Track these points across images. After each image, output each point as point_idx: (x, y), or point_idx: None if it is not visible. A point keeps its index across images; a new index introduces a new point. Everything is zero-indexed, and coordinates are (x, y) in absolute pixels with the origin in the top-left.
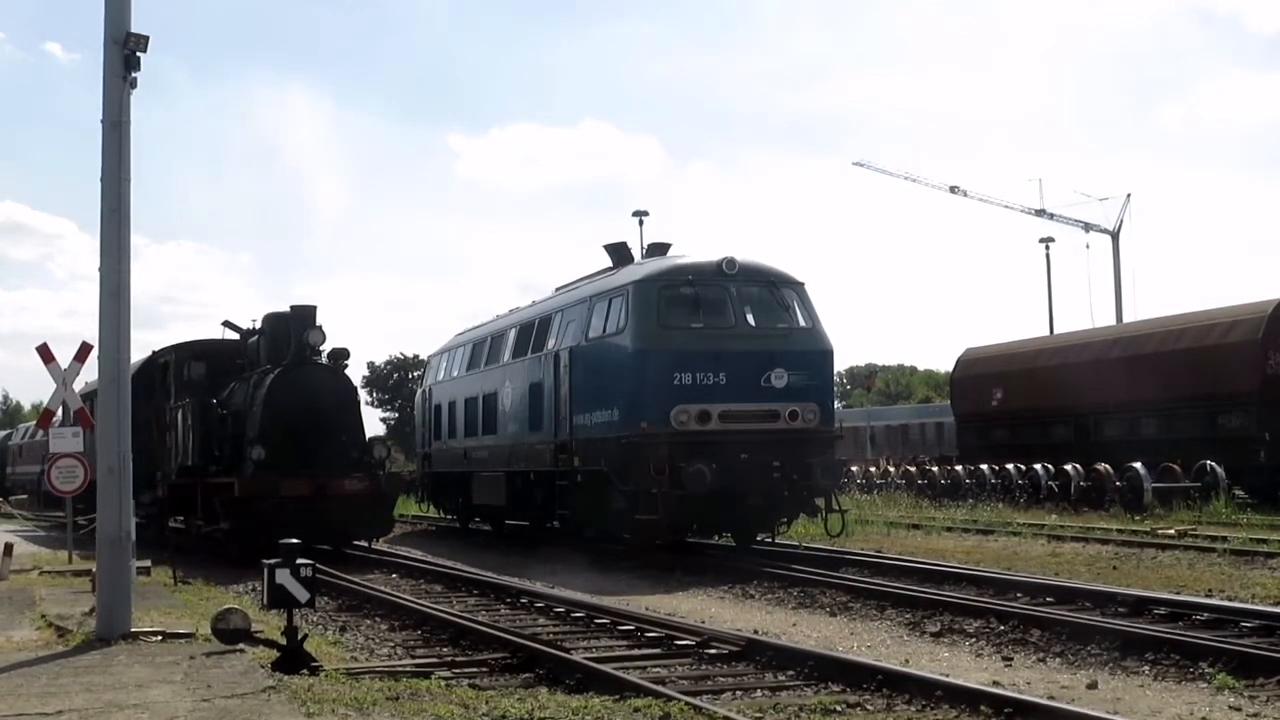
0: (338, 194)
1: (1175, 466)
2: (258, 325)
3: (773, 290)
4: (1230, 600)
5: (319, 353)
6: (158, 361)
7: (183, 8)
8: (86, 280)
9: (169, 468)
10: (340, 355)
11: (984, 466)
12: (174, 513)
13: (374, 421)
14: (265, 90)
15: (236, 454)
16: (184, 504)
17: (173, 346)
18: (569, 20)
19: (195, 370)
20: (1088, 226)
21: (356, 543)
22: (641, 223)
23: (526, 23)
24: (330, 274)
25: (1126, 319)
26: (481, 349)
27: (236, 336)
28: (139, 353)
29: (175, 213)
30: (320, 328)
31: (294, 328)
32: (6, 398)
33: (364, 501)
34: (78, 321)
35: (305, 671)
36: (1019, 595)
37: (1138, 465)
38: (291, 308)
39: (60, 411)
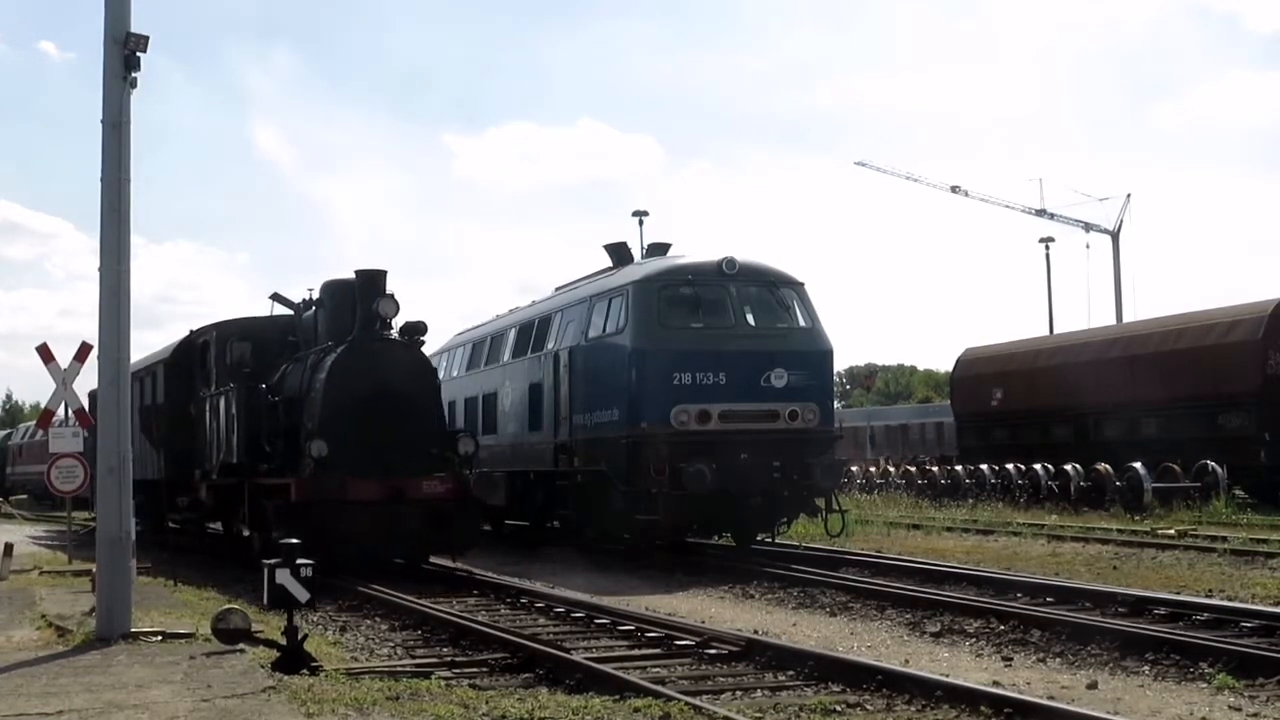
0: (334, 193)
1: (1175, 466)
2: (314, 295)
3: (772, 290)
4: (1230, 600)
5: (390, 326)
6: (196, 342)
7: (180, 6)
8: (83, 280)
9: (209, 465)
10: (416, 330)
11: (984, 466)
12: (214, 517)
13: None
14: (261, 89)
15: (292, 449)
16: (226, 507)
17: (214, 324)
18: (565, 19)
19: (240, 351)
20: (1088, 226)
21: (435, 558)
22: (641, 223)
23: (522, 21)
24: (328, 274)
25: (1126, 319)
26: (481, 349)
27: (288, 313)
28: (138, 352)
29: (172, 212)
30: (392, 296)
31: (360, 297)
32: (10, 397)
33: (447, 507)
34: (76, 321)
35: (305, 671)
36: (1019, 595)
37: (1138, 465)
38: (357, 273)
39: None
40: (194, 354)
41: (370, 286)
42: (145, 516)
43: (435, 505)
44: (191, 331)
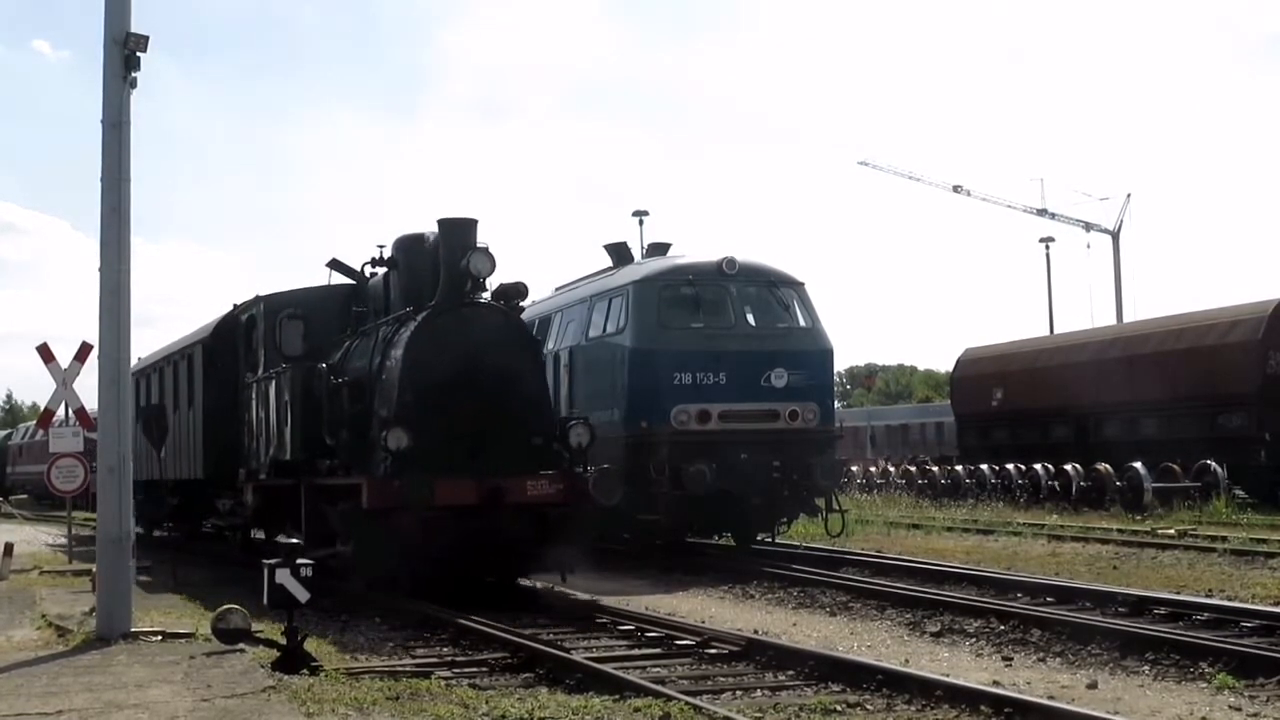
0: (333, 192)
1: (1175, 466)
2: (385, 254)
3: (772, 290)
4: (1230, 600)
5: (484, 287)
6: (239, 319)
7: (179, 6)
8: (83, 280)
9: (256, 462)
10: (514, 293)
11: (984, 466)
12: (259, 523)
13: None
14: (259, 89)
15: (360, 442)
16: (276, 512)
17: (261, 297)
18: (562, 18)
19: (293, 327)
20: (1088, 226)
21: (537, 576)
22: (641, 223)
23: (519, 20)
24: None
25: (1127, 319)
26: None
27: (348, 283)
28: (136, 352)
29: (170, 212)
30: (486, 249)
31: (444, 253)
32: (10, 397)
33: (557, 513)
34: (75, 321)
35: (305, 671)
36: (1019, 595)
37: (1138, 465)
38: (440, 223)
39: (61, 411)
40: (237, 332)
41: (457, 239)
42: (182, 521)
43: (543, 510)
44: (235, 306)
